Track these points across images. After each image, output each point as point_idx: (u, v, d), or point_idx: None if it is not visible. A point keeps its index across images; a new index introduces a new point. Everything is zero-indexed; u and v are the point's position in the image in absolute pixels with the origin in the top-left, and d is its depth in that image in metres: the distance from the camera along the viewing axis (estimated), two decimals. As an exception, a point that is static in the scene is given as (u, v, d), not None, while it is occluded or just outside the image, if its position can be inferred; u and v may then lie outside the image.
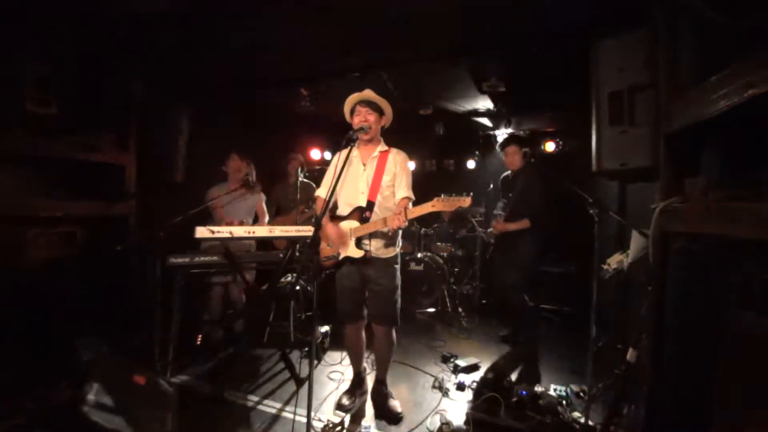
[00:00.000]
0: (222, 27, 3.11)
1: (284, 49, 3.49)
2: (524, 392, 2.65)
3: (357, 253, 2.44)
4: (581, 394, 2.77)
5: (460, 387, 2.94)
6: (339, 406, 2.65)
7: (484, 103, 4.83)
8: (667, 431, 1.70)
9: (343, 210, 2.59)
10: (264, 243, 3.98)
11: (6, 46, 2.81)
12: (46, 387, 2.51)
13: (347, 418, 2.52)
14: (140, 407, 2.07)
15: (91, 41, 3.24)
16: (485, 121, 5.59)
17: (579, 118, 2.93)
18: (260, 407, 2.69)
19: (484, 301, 5.02)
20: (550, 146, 5.27)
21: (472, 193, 2.21)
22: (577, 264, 4.69)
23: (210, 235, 2.82)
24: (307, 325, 3.76)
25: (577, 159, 4.78)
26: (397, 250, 2.59)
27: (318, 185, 2.74)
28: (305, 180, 4.22)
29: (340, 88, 2.95)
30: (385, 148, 2.58)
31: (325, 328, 3.68)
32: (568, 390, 2.79)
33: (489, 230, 4.00)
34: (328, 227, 2.49)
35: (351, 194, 2.55)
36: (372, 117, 2.50)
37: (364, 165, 2.53)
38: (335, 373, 3.17)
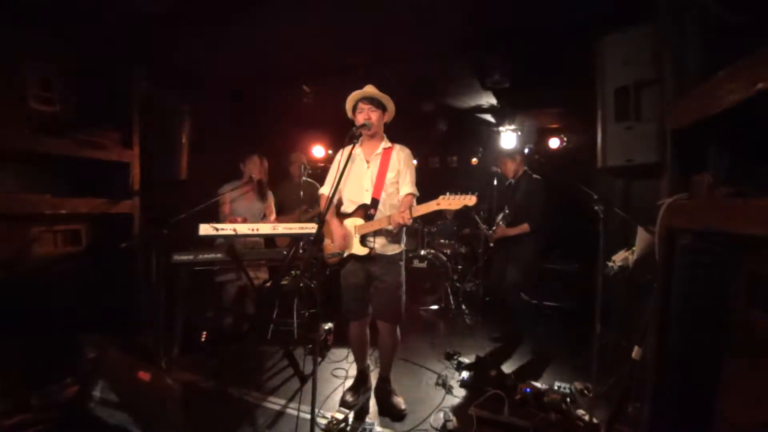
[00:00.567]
0: (224, 25, 3.10)
1: (286, 47, 3.48)
2: (528, 390, 2.65)
3: (361, 251, 2.44)
4: (585, 391, 2.76)
5: (464, 384, 2.94)
6: (343, 403, 2.66)
7: (488, 100, 4.81)
8: (672, 429, 1.69)
9: (347, 207, 2.58)
10: (271, 240, 3.99)
11: (8, 43, 2.82)
12: (51, 384, 2.53)
13: (351, 415, 2.53)
14: (145, 404, 2.08)
15: (95, 39, 3.25)
16: (489, 118, 5.57)
17: (584, 114, 2.91)
18: (264, 404, 2.70)
19: (487, 299, 5.00)
20: (554, 143, 5.24)
21: (477, 193, 2.20)
22: (581, 261, 4.67)
23: (214, 233, 2.82)
24: (311, 322, 3.77)
25: (581, 155, 4.75)
26: (402, 246, 2.58)
27: (321, 183, 2.73)
28: (308, 180, 4.23)
29: (343, 85, 2.94)
30: (389, 144, 2.57)
31: (328, 325, 3.68)
32: (572, 387, 2.78)
33: (491, 231, 3.99)
34: (333, 224, 2.49)
35: (355, 192, 2.54)
36: (375, 114, 2.49)
37: (368, 162, 2.52)
38: (339, 370, 3.18)
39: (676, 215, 1.68)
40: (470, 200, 2.17)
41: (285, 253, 3.18)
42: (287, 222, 3.93)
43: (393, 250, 2.52)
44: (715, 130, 1.60)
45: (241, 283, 3.54)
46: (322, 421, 2.42)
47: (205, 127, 4.15)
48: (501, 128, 5.81)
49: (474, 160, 6.15)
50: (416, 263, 4.84)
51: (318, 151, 5.62)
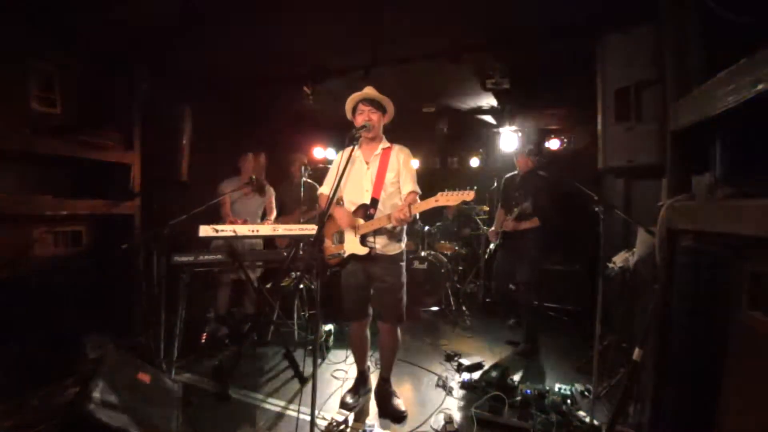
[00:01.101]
0: (225, 26, 3.11)
1: (287, 48, 3.48)
2: (529, 391, 2.64)
3: (362, 250, 2.44)
4: (586, 393, 2.76)
5: (464, 386, 2.93)
6: (343, 405, 2.65)
7: (488, 101, 4.81)
8: (673, 431, 1.68)
9: (347, 208, 2.58)
10: (270, 241, 4.00)
11: (11, 44, 2.83)
12: (51, 385, 2.53)
13: (351, 417, 2.52)
14: (145, 405, 2.08)
15: (96, 40, 3.26)
16: (489, 119, 5.56)
17: (584, 114, 2.90)
18: (264, 405, 2.69)
19: (488, 300, 5.00)
20: (554, 144, 5.24)
21: (475, 187, 2.21)
22: (582, 262, 4.66)
23: (214, 234, 2.83)
24: (310, 323, 3.77)
25: (582, 156, 4.75)
26: (403, 246, 2.58)
27: (321, 184, 2.73)
28: (309, 181, 4.23)
29: (343, 86, 2.95)
30: (388, 144, 2.58)
31: (328, 327, 3.69)
32: (573, 389, 2.77)
33: (491, 229, 3.98)
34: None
35: (355, 192, 2.54)
36: (375, 116, 2.49)
37: (367, 163, 2.53)
38: (339, 372, 3.17)
39: (676, 216, 1.67)
40: (468, 195, 2.17)
41: (285, 254, 3.18)
42: (287, 223, 3.93)
43: (393, 250, 2.52)
44: (715, 130, 1.59)
45: (235, 277, 3.55)
46: (322, 423, 2.41)
47: (205, 128, 4.16)
48: (501, 129, 5.81)
49: (475, 162, 6.15)
50: (416, 264, 4.84)
51: (318, 152, 5.61)
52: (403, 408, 2.60)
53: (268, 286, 3.54)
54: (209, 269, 3.19)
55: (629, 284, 2.92)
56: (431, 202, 2.26)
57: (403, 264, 2.58)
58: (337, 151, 2.58)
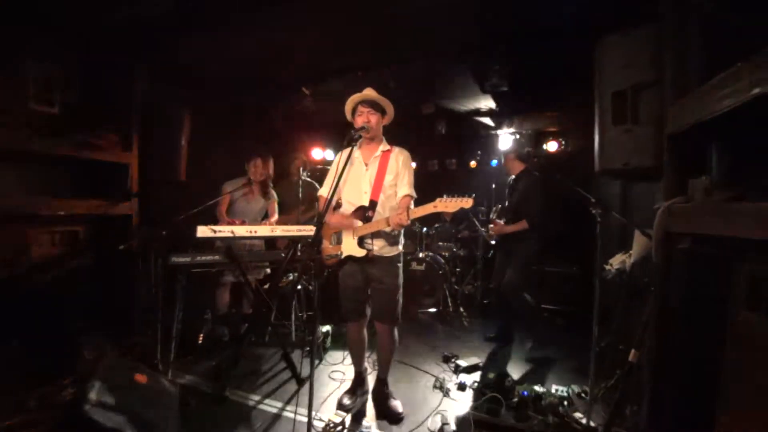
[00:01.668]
0: (224, 27, 3.11)
1: (286, 49, 3.49)
2: (526, 392, 2.64)
3: (359, 252, 2.44)
4: (583, 394, 2.76)
5: (461, 387, 2.93)
6: (340, 406, 2.65)
7: (487, 103, 4.82)
8: (670, 432, 1.69)
9: (346, 210, 2.59)
10: (270, 242, 3.99)
11: (9, 45, 2.82)
12: (49, 385, 2.52)
13: (348, 418, 2.51)
14: (142, 406, 2.07)
15: (95, 41, 3.25)
16: (487, 121, 5.58)
17: (582, 117, 2.91)
18: (261, 406, 2.69)
19: (485, 301, 5.00)
20: (552, 146, 5.25)
21: (474, 194, 2.20)
22: (579, 264, 4.67)
23: (212, 234, 2.82)
24: (308, 324, 3.76)
25: (579, 158, 4.77)
26: (400, 248, 2.58)
27: (320, 184, 2.73)
28: (308, 179, 4.23)
29: (342, 87, 2.95)
30: (387, 147, 2.57)
31: (326, 328, 3.68)
32: (570, 390, 2.77)
33: (489, 227, 3.99)
34: (333, 217, 2.51)
35: (354, 194, 2.54)
36: (374, 118, 2.49)
37: (366, 165, 2.52)
38: (336, 373, 3.17)
39: (673, 219, 1.68)
40: (467, 202, 2.17)
41: (283, 255, 3.17)
42: (286, 222, 3.93)
43: (391, 251, 2.52)
44: (712, 133, 1.60)
45: (234, 279, 3.55)
46: (319, 424, 2.41)
47: (204, 128, 4.15)
48: (500, 131, 5.83)
49: (473, 163, 6.17)
50: (414, 265, 4.84)
51: (317, 152, 5.62)
52: (400, 409, 2.60)
53: (266, 286, 3.53)
54: (207, 270, 3.19)
55: (626, 286, 2.93)
56: (429, 208, 2.25)
57: (400, 265, 2.58)
58: (336, 152, 2.58)
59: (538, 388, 2.76)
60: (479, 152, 6.13)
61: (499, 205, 4.00)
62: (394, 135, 2.69)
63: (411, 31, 3.15)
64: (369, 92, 2.52)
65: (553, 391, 2.77)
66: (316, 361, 3.35)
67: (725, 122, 1.38)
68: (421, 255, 4.87)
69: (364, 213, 2.46)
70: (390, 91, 2.58)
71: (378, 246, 2.48)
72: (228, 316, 3.77)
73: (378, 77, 3.77)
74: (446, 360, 3.40)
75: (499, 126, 5.73)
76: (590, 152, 2.48)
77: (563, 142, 5.21)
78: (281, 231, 3.07)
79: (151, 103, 3.71)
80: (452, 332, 4.27)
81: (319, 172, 4.69)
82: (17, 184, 3.02)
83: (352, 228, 2.46)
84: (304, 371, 2.95)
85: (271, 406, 2.69)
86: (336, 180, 2.13)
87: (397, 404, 2.63)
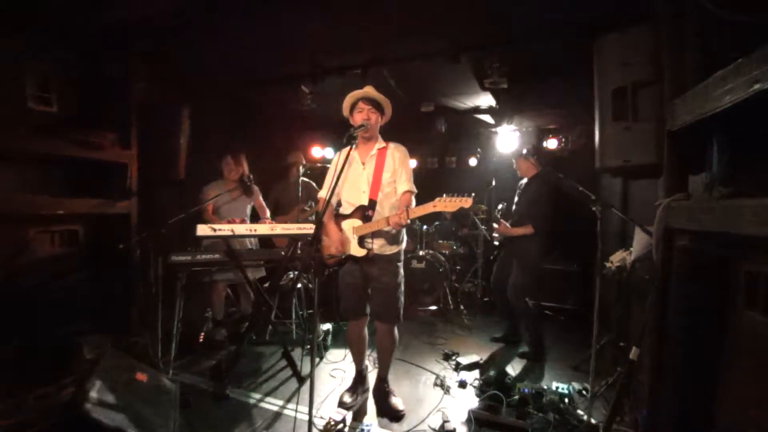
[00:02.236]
0: (223, 25, 3.10)
1: (285, 47, 3.48)
2: (526, 390, 2.64)
3: (360, 252, 2.43)
4: (583, 392, 2.76)
5: (462, 385, 2.93)
6: (341, 404, 2.65)
7: (486, 100, 4.81)
8: (670, 431, 1.69)
9: (345, 209, 2.58)
10: (265, 240, 3.98)
11: (8, 44, 2.81)
12: (48, 385, 2.52)
13: (349, 416, 2.52)
14: (142, 405, 2.07)
15: (93, 39, 3.24)
16: (487, 119, 5.57)
17: (582, 114, 2.91)
18: (262, 405, 2.69)
19: (486, 299, 5.01)
20: (552, 143, 5.24)
21: (474, 194, 2.19)
22: (579, 262, 4.67)
23: (211, 233, 2.82)
24: (309, 322, 3.76)
25: (580, 156, 4.77)
26: (401, 247, 2.58)
27: (318, 183, 2.73)
28: (305, 179, 4.22)
29: (341, 86, 2.94)
30: (383, 144, 2.55)
31: (326, 326, 3.68)
32: (571, 388, 2.77)
33: (494, 226, 3.94)
34: (331, 229, 2.49)
35: (352, 193, 2.54)
36: (374, 116, 2.47)
37: (363, 164, 2.51)
38: (337, 371, 3.17)
39: (673, 216, 1.68)
40: (466, 202, 2.17)
41: (283, 253, 3.17)
42: (285, 222, 3.93)
43: (391, 250, 2.52)
44: (712, 130, 1.60)
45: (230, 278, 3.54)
46: (320, 422, 2.41)
47: (203, 127, 4.14)
48: (499, 129, 5.82)
49: (473, 161, 6.16)
50: (415, 264, 4.84)
51: (315, 151, 5.62)
52: (401, 407, 2.60)
53: (266, 285, 3.54)
54: (207, 269, 3.18)
55: (626, 284, 2.93)
56: (429, 208, 2.25)
57: (401, 264, 2.58)
58: (335, 151, 2.57)
59: (538, 385, 2.76)
60: (479, 150, 6.12)
61: (503, 205, 3.98)
62: (394, 133, 2.68)
63: (410, 28, 3.14)
64: (370, 90, 2.50)
65: (554, 388, 2.77)
66: (317, 360, 3.35)
67: (725, 119, 1.38)
68: (421, 253, 4.88)
69: (364, 212, 2.46)
70: (390, 89, 2.56)
71: (378, 245, 2.48)
72: (226, 317, 3.77)
73: (377, 75, 3.76)
74: (446, 358, 3.40)
75: (499, 123, 5.72)
76: (591, 149, 2.47)
77: (563, 140, 5.20)
78: (281, 229, 3.07)
79: (149, 102, 3.70)
80: (452, 330, 4.27)
81: (318, 171, 4.69)
82: (16, 183, 3.02)
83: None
84: (305, 369, 2.96)
85: (272, 404, 2.70)
86: (334, 180, 2.12)
87: (398, 402, 2.64)
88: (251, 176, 3.71)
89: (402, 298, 2.57)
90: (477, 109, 5.22)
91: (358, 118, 2.46)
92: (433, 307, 4.87)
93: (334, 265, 2.59)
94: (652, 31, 2.04)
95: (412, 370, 3.24)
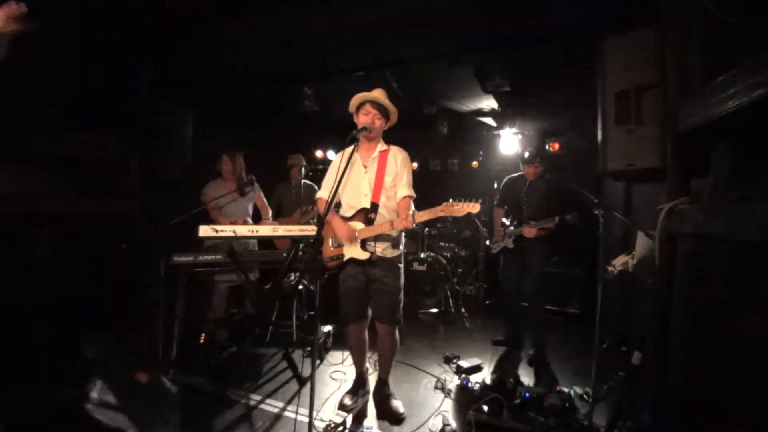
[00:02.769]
0: (226, 25, 3.11)
1: (288, 48, 3.49)
2: (527, 394, 2.63)
3: (362, 255, 2.42)
4: (585, 396, 2.75)
5: (463, 388, 2.92)
6: (341, 406, 2.65)
7: (489, 103, 4.82)
8: (673, 435, 1.68)
9: (345, 212, 2.57)
10: (265, 242, 3.97)
11: (9, 44, 2.82)
12: (50, 384, 2.52)
13: (349, 419, 2.52)
14: (143, 405, 2.07)
15: (96, 40, 3.25)
16: (490, 121, 5.57)
17: (585, 117, 2.90)
18: (262, 406, 2.68)
19: (487, 302, 5.00)
20: (555, 146, 5.23)
21: (481, 200, 2.18)
22: (582, 265, 4.65)
23: (213, 234, 2.82)
24: (309, 324, 3.76)
25: (582, 159, 4.75)
26: (401, 249, 2.57)
27: (319, 185, 2.72)
28: (307, 182, 4.23)
29: (344, 88, 2.94)
30: (385, 147, 2.55)
31: (327, 328, 3.68)
32: (572, 392, 2.76)
33: (495, 242, 3.86)
34: (335, 221, 2.47)
35: (354, 196, 2.53)
36: (379, 122, 2.46)
37: (365, 167, 2.51)
38: (337, 373, 3.17)
39: (676, 220, 1.67)
40: (474, 207, 2.16)
41: (285, 255, 3.17)
42: (286, 223, 3.93)
43: (393, 253, 2.51)
44: (716, 134, 1.59)
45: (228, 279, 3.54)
46: (320, 424, 2.40)
47: (206, 128, 4.15)
48: (501, 131, 5.82)
49: (475, 164, 6.16)
50: (416, 266, 4.83)
51: (317, 153, 5.63)
52: (401, 410, 2.59)
53: (267, 286, 3.53)
54: (209, 270, 3.18)
55: (629, 287, 2.92)
56: (436, 212, 2.24)
57: (402, 266, 2.57)
58: (336, 152, 2.56)
59: (539, 389, 2.75)
60: (481, 152, 6.12)
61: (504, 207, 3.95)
62: (397, 135, 2.68)
63: (413, 31, 3.14)
64: (379, 95, 2.46)
65: (556, 392, 2.76)
66: (318, 361, 3.34)
67: (730, 123, 1.38)
68: (422, 255, 4.87)
69: (366, 215, 2.45)
70: (393, 92, 2.56)
71: (381, 248, 2.47)
72: (228, 318, 3.76)
73: (379, 77, 3.77)
74: (447, 361, 3.39)
75: (501, 126, 5.72)
76: (594, 152, 2.47)
77: (566, 143, 5.19)
78: (283, 231, 3.07)
79: (152, 102, 3.71)
80: (453, 333, 4.26)
81: (320, 172, 4.70)
82: (18, 183, 3.02)
83: (353, 236, 2.43)
84: (306, 371, 2.95)
85: (273, 406, 2.69)
86: (337, 181, 2.11)
87: (399, 405, 2.63)
88: (252, 177, 3.71)
89: (402, 301, 2.57)
90: (479, 112, 5.23)
91: (362, 120, 2.45)
92: (435, 310, 4.86)
93: (335, 267, 2.59)
94: (657, 35, 2.03)
95: (413, 373, 3.24)
